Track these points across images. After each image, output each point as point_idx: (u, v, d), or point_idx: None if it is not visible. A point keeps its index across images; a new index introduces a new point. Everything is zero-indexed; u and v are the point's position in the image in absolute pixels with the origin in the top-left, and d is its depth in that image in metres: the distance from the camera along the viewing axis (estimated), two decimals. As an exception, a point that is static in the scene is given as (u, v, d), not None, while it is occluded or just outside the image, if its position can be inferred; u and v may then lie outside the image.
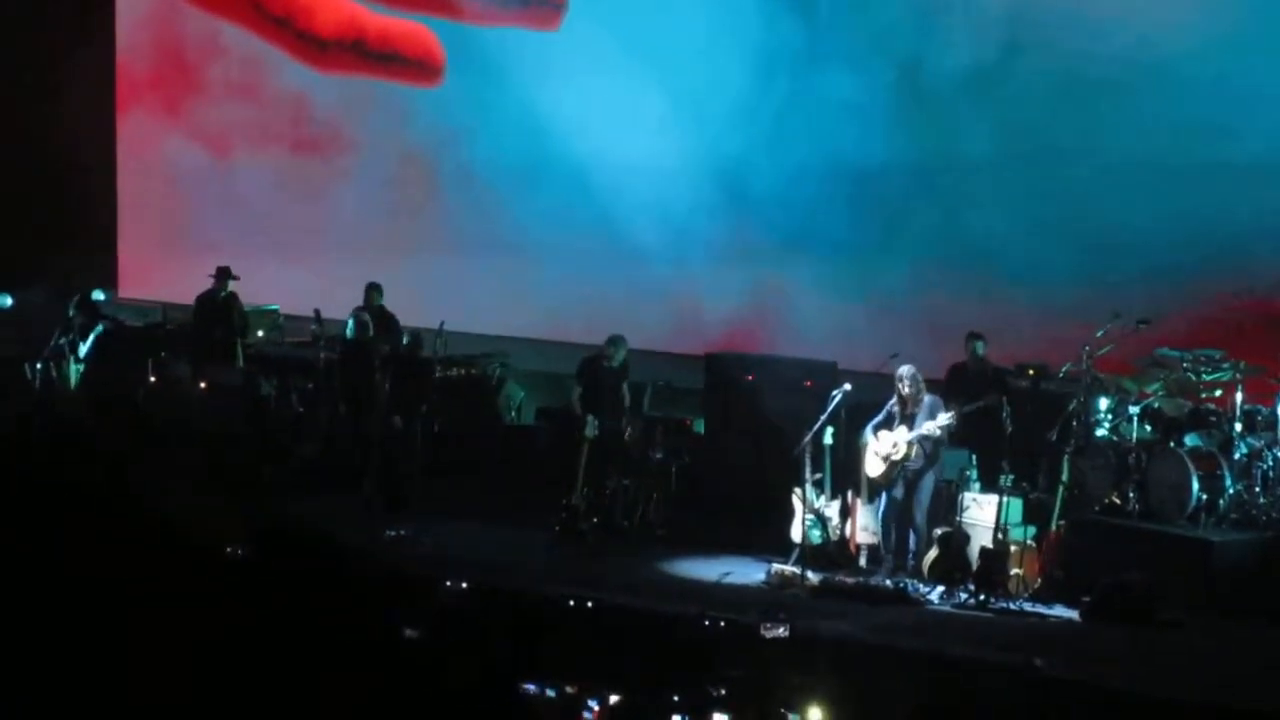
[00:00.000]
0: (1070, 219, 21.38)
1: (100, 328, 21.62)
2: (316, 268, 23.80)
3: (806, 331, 22.02)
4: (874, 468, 18.24)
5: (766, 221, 22.91)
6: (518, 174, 23.97)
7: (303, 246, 24.72)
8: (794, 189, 22.66)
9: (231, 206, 25.51)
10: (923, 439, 18.05)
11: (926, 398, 18.21)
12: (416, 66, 24.53)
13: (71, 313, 21.76)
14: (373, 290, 21.40)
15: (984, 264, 21.67)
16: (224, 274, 22.04)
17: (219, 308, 22.09)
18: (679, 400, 20.97)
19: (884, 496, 18.27)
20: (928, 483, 18.20)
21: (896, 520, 18.25)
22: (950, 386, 19.42)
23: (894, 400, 18.22)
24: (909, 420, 18.15)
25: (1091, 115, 21.42)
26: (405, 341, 21.06)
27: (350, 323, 20.92)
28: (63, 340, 21.48)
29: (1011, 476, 18.49)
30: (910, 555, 18.20)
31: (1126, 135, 21.31)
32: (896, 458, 18.12)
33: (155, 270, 25.28)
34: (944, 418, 18.10)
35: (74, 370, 21.14)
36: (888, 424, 18.22)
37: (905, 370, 18.28)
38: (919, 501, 18.20)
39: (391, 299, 21.69)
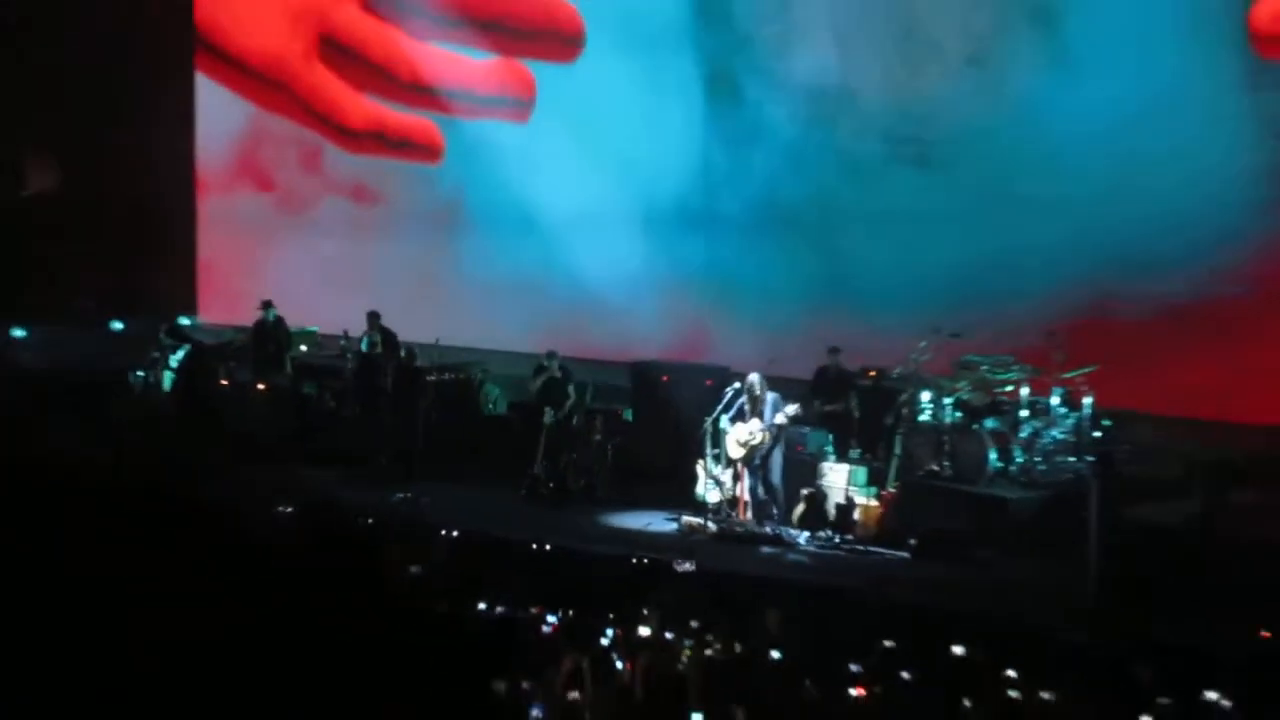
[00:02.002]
0: (910, 258, 21.26)
1: (187, 347, 21.58)
2: (346, 297, 23.70)
3: (720, 342, 21.96)
4: (735, 452, 18.18)
5: (690, 260, 22.85)
6: (500, 226, 23.87)
7: (337, 281, 24.65)
8: (714, 235, 22.61)
9: (287, 249, 25.45)
10: (773, 426, 18.12)
11: (769, 396, 18.18)
12: (423, 150, 24.55)
13: (164, 334, 21.75)
14: (374, 316, 21.50)
15: (853, 292, 21.60)
16: (267, 304, 22.12)
17: (270, 329, 22.14)
18: (614, 396, 21.01)
19: (748, 471, 18.21)
20: (777, 456, 18.15)
21: (763, 486, 18.25)
22: (816, 385, 19.58)
23: (744, 399, 18.15)
24: (759, 414, 18.13)
25: (943, 173, 21.47)
26: (403, 353, 21.19)
27: (364, 341, 21.11)
28: (157, 354, 21.47)
29: (858, 451, 18.65)
30: (780, 510, 18.17)
31: (950, 191, 21.35)
32: (754, 443, 18.09)
33: (227, 300, 25.20)
34: (791, 409, 18.05)
35: (167, 376, 21.18)
36: (740, 417, 18.23)
37: (754, 378, 18.25)
38: (772, 469, 18.17)
39: (402, 319, 21.75)
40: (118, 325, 23.89)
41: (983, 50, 21.18)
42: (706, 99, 22.74)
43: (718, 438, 18.39)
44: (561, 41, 23.47)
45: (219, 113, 25.99)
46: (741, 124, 22.55)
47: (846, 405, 19.06)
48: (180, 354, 21.69)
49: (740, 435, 18.17)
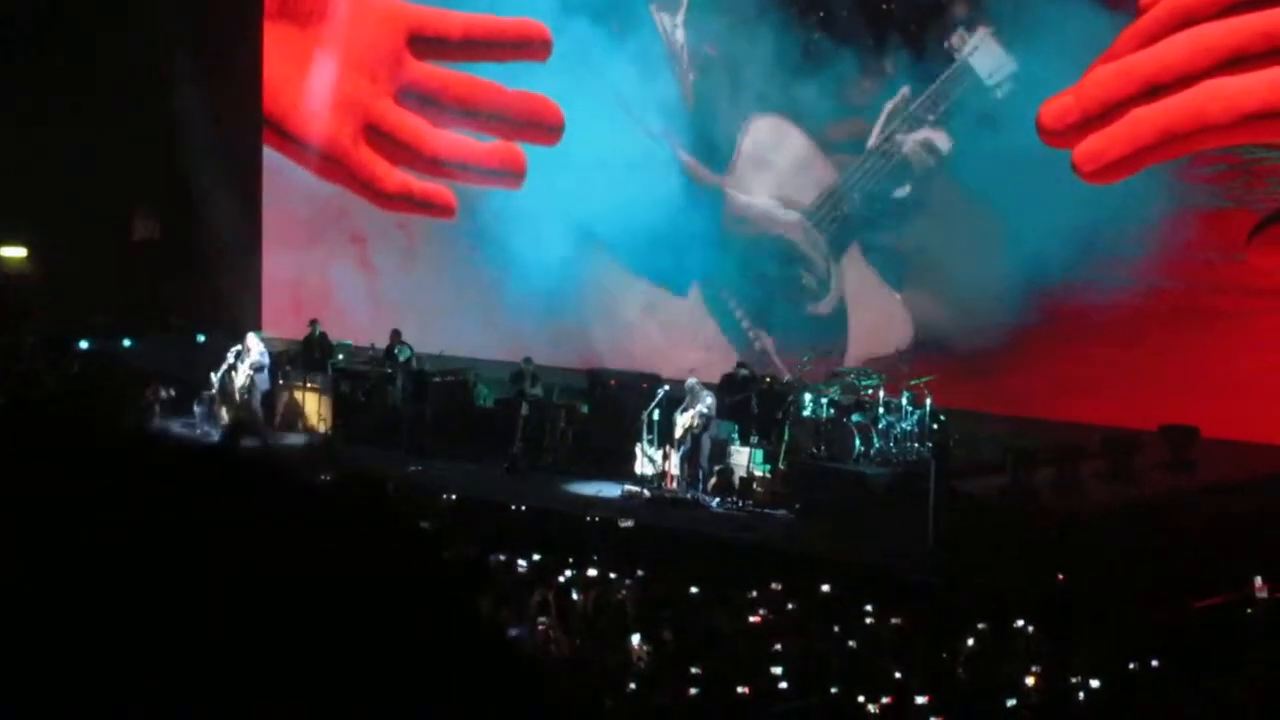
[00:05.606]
0: (797, 302, 21.05)
1: (258, 357, 21.19)
2: (373, 315, 23.45)
3: (656, 355, 21.68)
4: (679, 431, 18.12)
5: (639, 295, 22.58)
6: (493, 267, 23.59)
7: (366, 305, 24.41)
8: (656, 279, 22.34)
9: (330, 281, 25.12)
10: (700, 414, 18.00)
11: (702, 393, 18.13)
12: (440, 209, 24.37)
13: (237, 345, 21.37)
14: (396, 334, 21.24)
15: (759, 322, 21.36)
16: (314, 322, 21.93)
17: (315, 342, 21.93)
18: (574, 394, 20.89)
19: (682, 448, 18.15)
20: (705, 440, 17.92)
21: (690, 462, 18.07)
22: (723, 387, 19.46)
23: (688, 398, 18.09)
24: (693, 406, 18.15)
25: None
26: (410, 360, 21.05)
27: (402, 351, 21.02)
28: (232, 359, 21.06)
29: (757, 437, 18.59)
30: (700, 481, 18.04)
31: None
32: (686, 425, 18.02)
33: (283, 319, 24.84)
34: (709, 404, 18.04)
35: (241, 376, 20.78)
36: (684, 409, 18.26)
37: (690, 381, 18.21)
38: (702, 450, 17.98)
39: (418, 335, 21.46)
40: (201, 337, 23.61)
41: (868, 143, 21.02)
42: (664, 179, 22.45)
43: (651, 426, 18.22)
44: (546, 130, 23.35)
45: (281, 177, 25.73)
46: (688, 201, 22.24)
47: (748, 402, 18.94)
48: (249, 359, 21.35)
49: (684, 420, 18.02)
